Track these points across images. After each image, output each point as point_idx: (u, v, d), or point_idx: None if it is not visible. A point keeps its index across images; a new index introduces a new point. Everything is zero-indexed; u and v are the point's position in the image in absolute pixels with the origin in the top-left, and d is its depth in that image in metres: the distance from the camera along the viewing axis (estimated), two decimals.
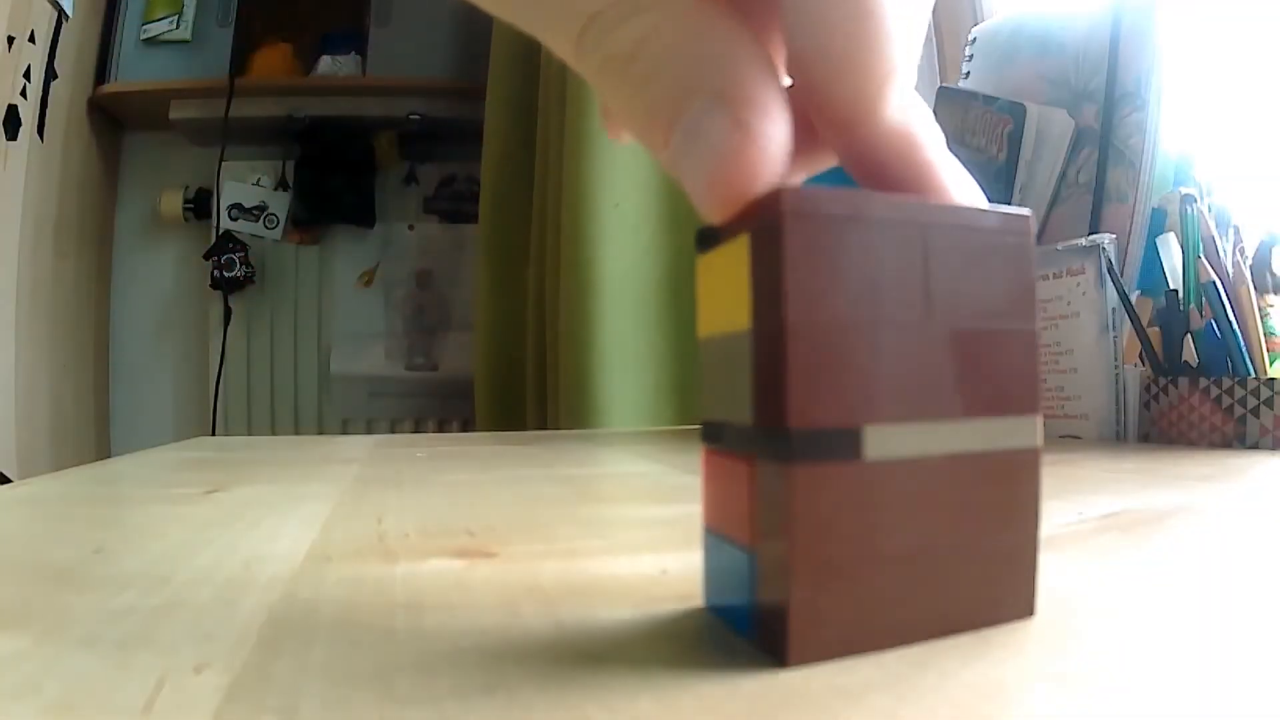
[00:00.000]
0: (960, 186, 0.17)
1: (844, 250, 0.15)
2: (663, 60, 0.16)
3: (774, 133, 0.15)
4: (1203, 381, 0.58)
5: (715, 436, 0.17)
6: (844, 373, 0.15)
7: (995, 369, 0.17)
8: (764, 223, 0.15)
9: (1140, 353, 0.62)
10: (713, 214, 0.16)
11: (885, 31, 0.15)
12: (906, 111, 0.16)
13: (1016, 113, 0.74)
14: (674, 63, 0.16)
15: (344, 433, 1.84)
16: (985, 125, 0.77)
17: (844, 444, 0.15)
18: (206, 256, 1.83)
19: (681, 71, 0.15)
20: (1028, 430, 0.17)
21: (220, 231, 1.82)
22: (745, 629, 0.16)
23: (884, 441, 0.15)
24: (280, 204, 1.86)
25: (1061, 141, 0.73)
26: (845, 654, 0.15)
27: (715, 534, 0.18)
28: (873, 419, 0.15)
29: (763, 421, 0.15)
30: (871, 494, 0.15)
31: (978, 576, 0.17)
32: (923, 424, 0.16)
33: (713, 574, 0.18)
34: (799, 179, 0.19)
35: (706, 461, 0.18)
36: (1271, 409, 0.54)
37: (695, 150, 0.15)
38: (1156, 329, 0.61)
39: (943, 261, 0.16)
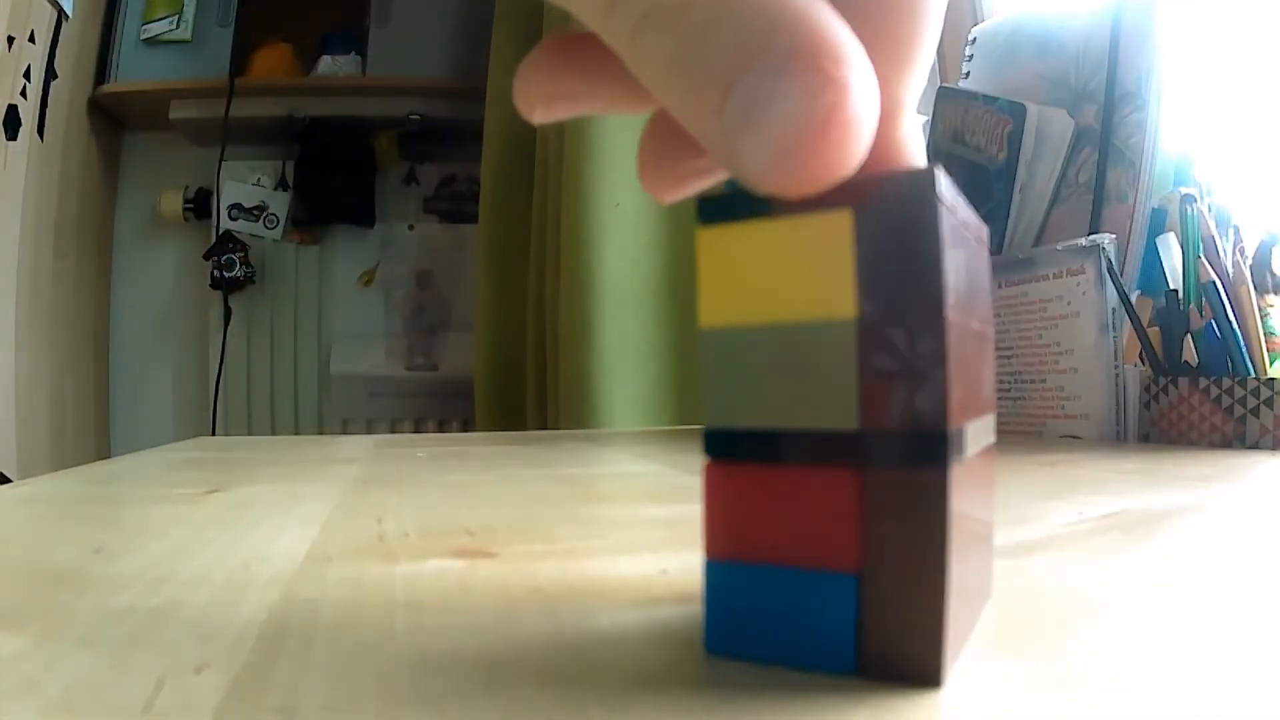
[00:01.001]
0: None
1: (957, 240, 0.14)
2: (723, 7, 0.13)
3: (871, 94, 0.13)
4: (1203, 381, 0.58)
5: (755, 447, 0.14)
6: (961, 368, 0.14)
7: (987, 369, 0.17)
8: (887, 200, 0.13)
9: (1140, 353, 0.62)
10: (787, 190, 0.13)
11: (934, 28, 0.14)
12: (914, 122, 0.15)
13: (1016, 113, 0.74)
14: (739, 12, 0.13)
15: (344, 433, 1.84)
16: (985, 125, 0.77)
17: (961, 444, 0.14)
18: (206, 256, 1.83)
19: (749, 22, 0.13)
20: (992, 427, 0.18)
21: (220, 231, 1.82)
22: (837, 664, 0.14)
23: (969, 439, 0.15)
24: (280, 204, 1.86)
25: (1061, 141, 0.73)
26: (953, 660, 0.14)
27: (752, 564, 0.15)
28: (965, 417, 0.14)
29: (885, 424, 0.14)
30: (962, 494, 0.14)
31: (987, 564, 0.18)
32: (974, 421, 0.15)
33: (745, 612, 0.15)
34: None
35: (730, 479, 0.15)
36: (1271, 409, 0.54)
37: (767, 115, 0.13)
38: (1156, 329, 0.61)
39: (971, 261, 0.16)
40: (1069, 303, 0.65)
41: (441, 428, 1.87)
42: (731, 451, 0.15)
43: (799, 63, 0.12)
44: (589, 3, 0.14)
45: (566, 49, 0.17)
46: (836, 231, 0.14)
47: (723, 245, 0.15)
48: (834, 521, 0.14)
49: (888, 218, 0.13)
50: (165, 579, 0.22)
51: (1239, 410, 0.56)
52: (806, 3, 0.13)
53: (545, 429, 1.27)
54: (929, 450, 0.13)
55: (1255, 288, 0.57)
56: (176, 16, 1.78)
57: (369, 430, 1.86)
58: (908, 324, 0.13)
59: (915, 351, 0.13)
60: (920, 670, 0.13)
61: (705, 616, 0.15)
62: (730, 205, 0.14)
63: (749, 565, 0.15)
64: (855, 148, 0.13)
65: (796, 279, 0.14)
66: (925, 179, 0.13)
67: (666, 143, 0.17)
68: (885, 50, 0.14)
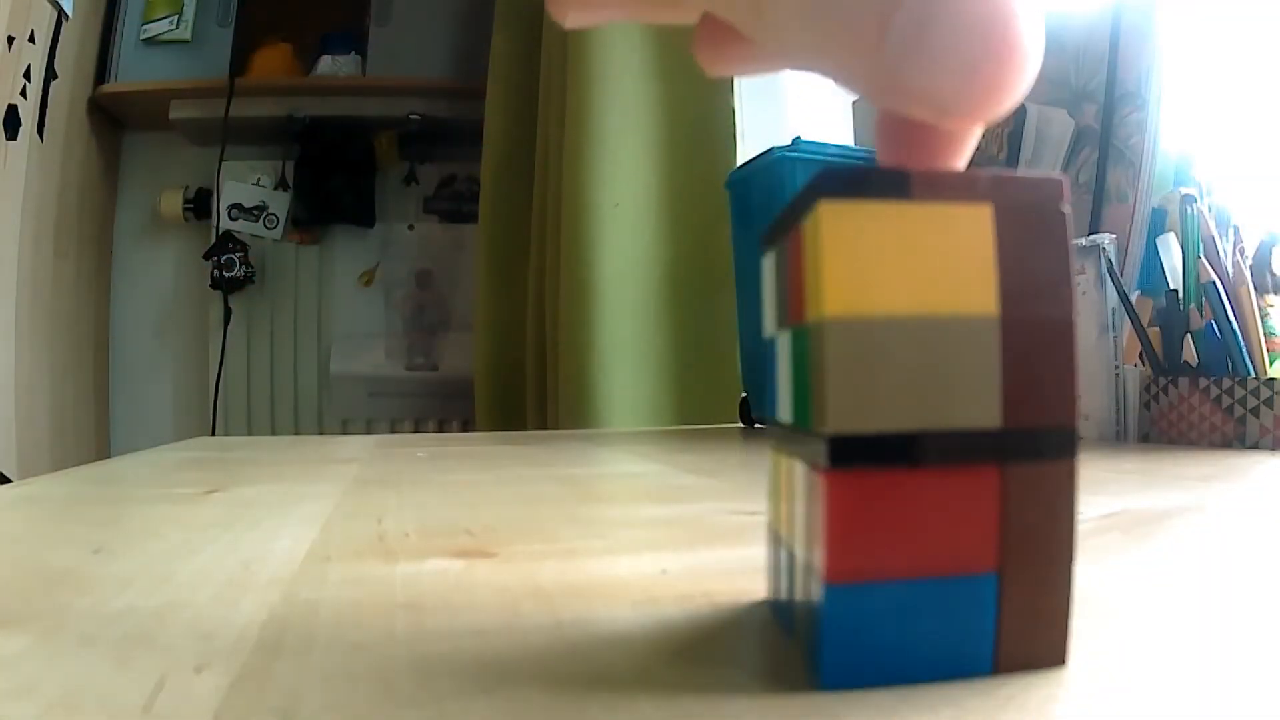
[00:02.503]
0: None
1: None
2: None
3: (1036, 17, 0.12)
4: (1203, 381, 0.58)
5: (891, 451, 0.13)
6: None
7: None
8: (1024, 200, 0.14)
9: (1140, 353, 0.62)
10: (966, 110, 0.12)
11: None
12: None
13: (1016, 112, 0.74)
14: None
15: (344, 433, 1.84)
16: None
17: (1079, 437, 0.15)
18: (206, 256, 1.83)
19: None
20: None
21: (220, 231, 1.82)
22: (975, 667, 0.14)
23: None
24: (280, 204, 1.86)
25: (1061, 141, 0.73)
26: None
27: (884, 583, 0.14)
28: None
29: (1025, 421, 0.14)
30: None
31: None
32: None
33: (873, 637, 0.14)
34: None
35: (861, 489, 0.13)
36: (1271, 409, 0.54)
37: (943, 35, 0.12)
38: (1156, 329, 0.61)
39: None
40: None
41: (441, 428, 1.87)
42: (863, 458, 0.13)
43: None
44: None
45: None
46: (978, 225, 0.13)
47: (849, 224, 0.13)
48: (973, 522, 0.14)
49: (1024, 217, 0.14)
50: (165, 579, 0.22)
51: (1239, 410, 0.56)
52: None
53: (545, 429, 1.27)
54: (1063, 444, 0.14)
55: (1255, 288, 0.57)
56: (176, 16, 1.78)
57: (369, 430, 1.86)
58: (1045, 322, 0.14)
59: (1052, 349, 0.14)
60: (1053, 655, 0.14)
61: (820, 652, 0.13)
62: (861, 181, 0.13)
63: (880, 585, 0.14)
64: (1032, 68, 0.12)
65: (935, 270, 0.13)
66: (1056, 184, 0.14)
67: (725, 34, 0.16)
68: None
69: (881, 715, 0.13)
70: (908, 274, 0.13)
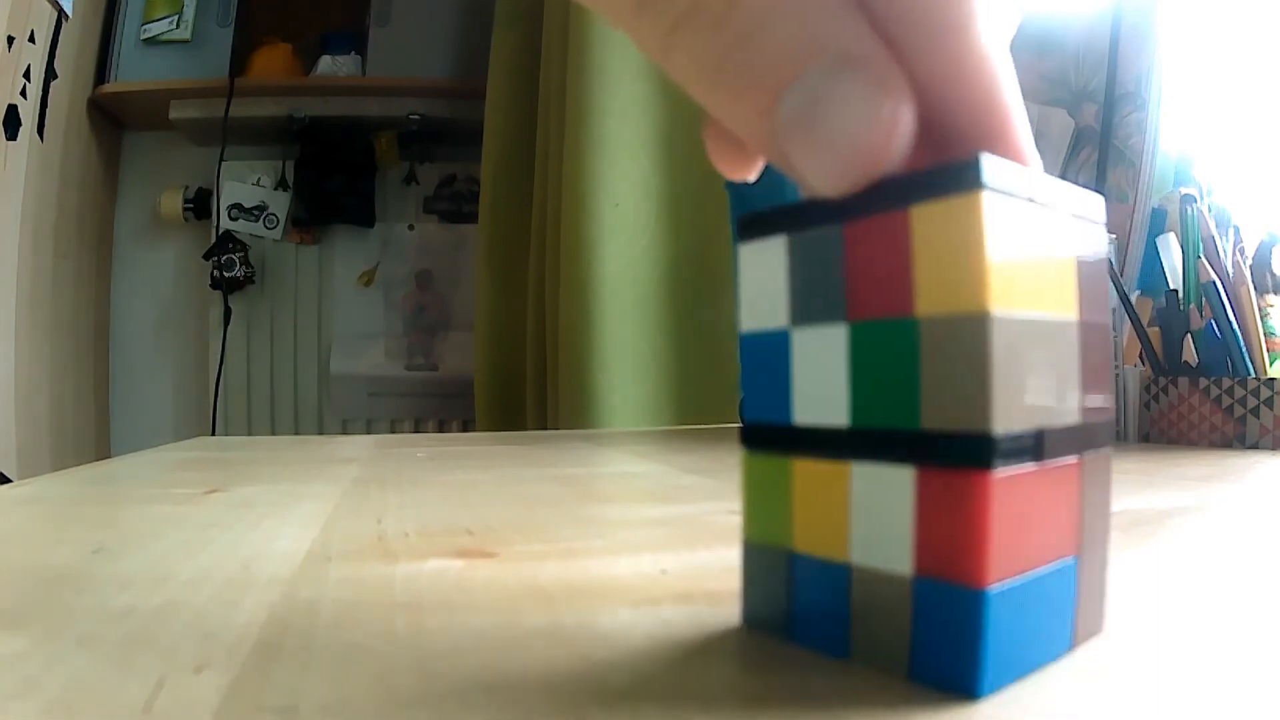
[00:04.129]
0: (1028, 139, 0.15)
1: None
2: (767, 13, 0.13)
3: (911, 93, 0.13)
4: (1203, 381, 0.58)
5: (1032, 448, 0.14)
6: None
7: None
8: (1080, 215, 0.15)
9: (1140, 353, 0.62)
10: (839, 188, 0.14)
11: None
12: (995, 42, 0.14)
13: None
14: (783, 16, 0.13)
15: (344, 433, 1.84)
16: None
17: None
18: (206, 256, 1.83)
19: (794, 26, 0.13)
20: None
21: (220, 231, 1.82)
22: (1062, 648, 0.15)
23: None
24: (280, 204, 1.86)
25: (1061, 141, 0.73)
26: None
27: (1020, 579, 0.14)
28: None
29: (1093, 415, 0.15)
30: None
31: None
32: None
33: (1014, 635, 0.14)
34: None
35: (1013, 488, 0.13)
36: (1271, 409, 0.54)
37: (832, 118, 0.13)
38: (1156, 329, 0.61)
39: None
40: None
41: (441, 428, 1.87)
42: (1015, 457, 0.13)
43: (850, 70, 0.13)
44: (616, 4, 0.14)
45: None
46: (971, 216, 0.13)
47: (1000, 216, 0.13)
48: (1066, 510, 0.14)
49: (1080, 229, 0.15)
50: (165, 579, 0.22)
51: (1239, 410, 0.56)
52: (846, 13, 0.13)
53: (545, 429, 1.27)
54: (1109, 433, 0.15)
55: (1255, 288, 0.57)
56: (176, 16, 1.78)
57: (369, 430, 1.86)
58: (1098, 325, 0.15)
59: (1101, 349, 0.15)
60: (1098, 624, 0.16)
61: (980, 660, 0.13)
62: (989, 174, 0.13)
63: (1018, 582, 0.14)
64: (903, 145, 0.13)
65: (1043, 272, 0.14)
66: (1099, 200, 0.15)
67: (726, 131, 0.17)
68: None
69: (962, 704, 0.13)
70: (1029, 274, 0.14)
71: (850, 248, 0.15)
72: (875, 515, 0.14)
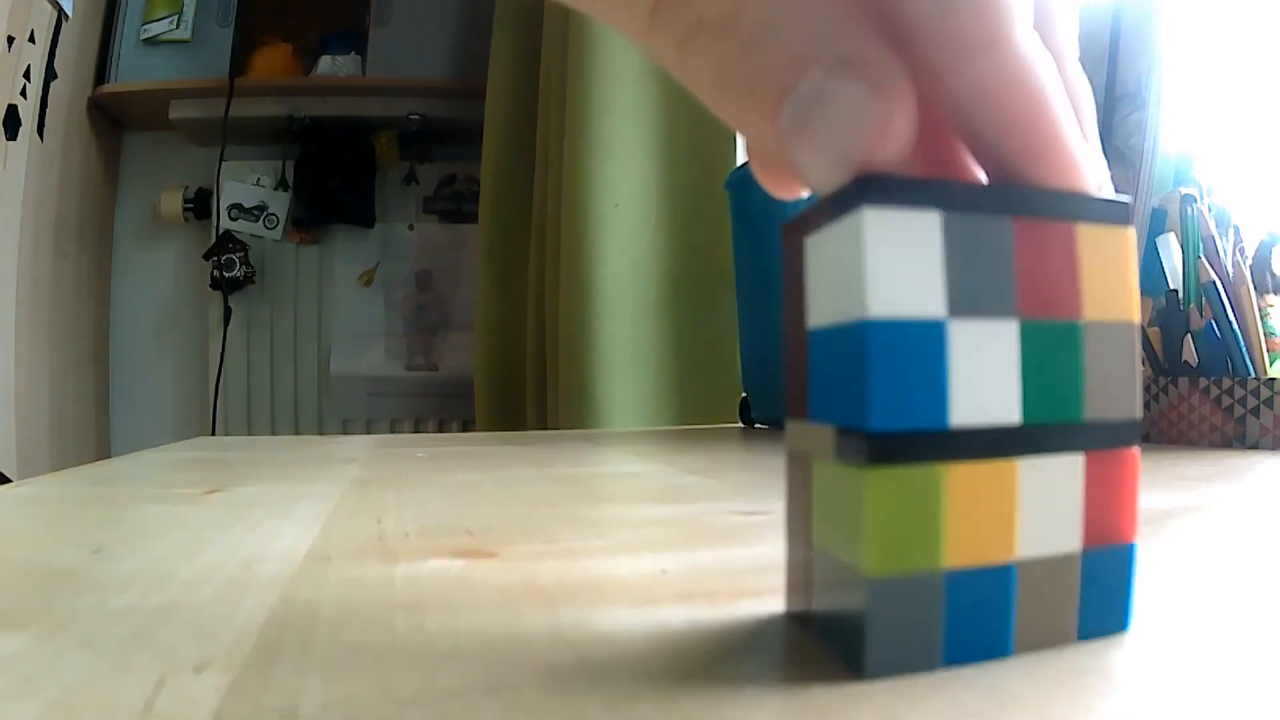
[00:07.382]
0: (1084, 147, 0.15)
1: None
2: (770, 22, 0.14)
3: (910, 96, 0.14)
4: (1203, 381, 0.58)
5: (1133, 434, 0.16)
6: None
7: None
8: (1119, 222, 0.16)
9: (1140, 353, 0.62)
10: (830, 186, 0.14)
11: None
12: (1038, 46, 0.14)
13: None
14: (785, 25, 0.14)
15: (344, 433, 1.84)
16: None
17: None
18: (206, 256, 1.83)
19: (795, 34, 0.14)
20: None
21: (220, 231, 1.82)
22: (1125, 623, 0.16)
23: None
24: (280, 204, 1.86)
25: None
26: None
27: (1095, 548, 0.16)
28: None
29: (1138, 411, 0.16)
30: None
31: None
32: None
33: (1118, 593, 0.16)
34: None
35: (1113, 463, 0.16)
36: (1271, 409, 0.54)
37: (824, 119, 0.13)
38: (1156, 329, 0.61)
39: None
40: None
41: (441, 428, 1.87)
42: (1131, 440, 0.16)
43: (846, 73, 0.13)
44: (629, 18, 0.15)
45: None
46: (1126, 245, 0.16)
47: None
48: (1129, 497, 0.16)
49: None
50: (165, 579, 0.22)
51: (1239, 410, 0.56)
52: (849, 12, 0.14)
53: (545, 429, 1.27)
54: (1139, 428, 0.16)
55: (1255, 288, 0.57)
56: (176, 16, 1.78)
57: (369, 430, 1.86)
58: (1137, 328, 0.16)
59: (1136, 350, 0.16)
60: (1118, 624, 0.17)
61: (1128, 599, 0.16)
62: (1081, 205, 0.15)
63: (1124, 545, 0.16)
64: (901, 144, 0.14)
65: (1119, 281, 0.16)
66: (1127, 207, 0.16)
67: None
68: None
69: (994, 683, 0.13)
70: (1119, 284, 0.16)
71: (1021, 244, 0.15)
72: (1045, 505, 0.15)
